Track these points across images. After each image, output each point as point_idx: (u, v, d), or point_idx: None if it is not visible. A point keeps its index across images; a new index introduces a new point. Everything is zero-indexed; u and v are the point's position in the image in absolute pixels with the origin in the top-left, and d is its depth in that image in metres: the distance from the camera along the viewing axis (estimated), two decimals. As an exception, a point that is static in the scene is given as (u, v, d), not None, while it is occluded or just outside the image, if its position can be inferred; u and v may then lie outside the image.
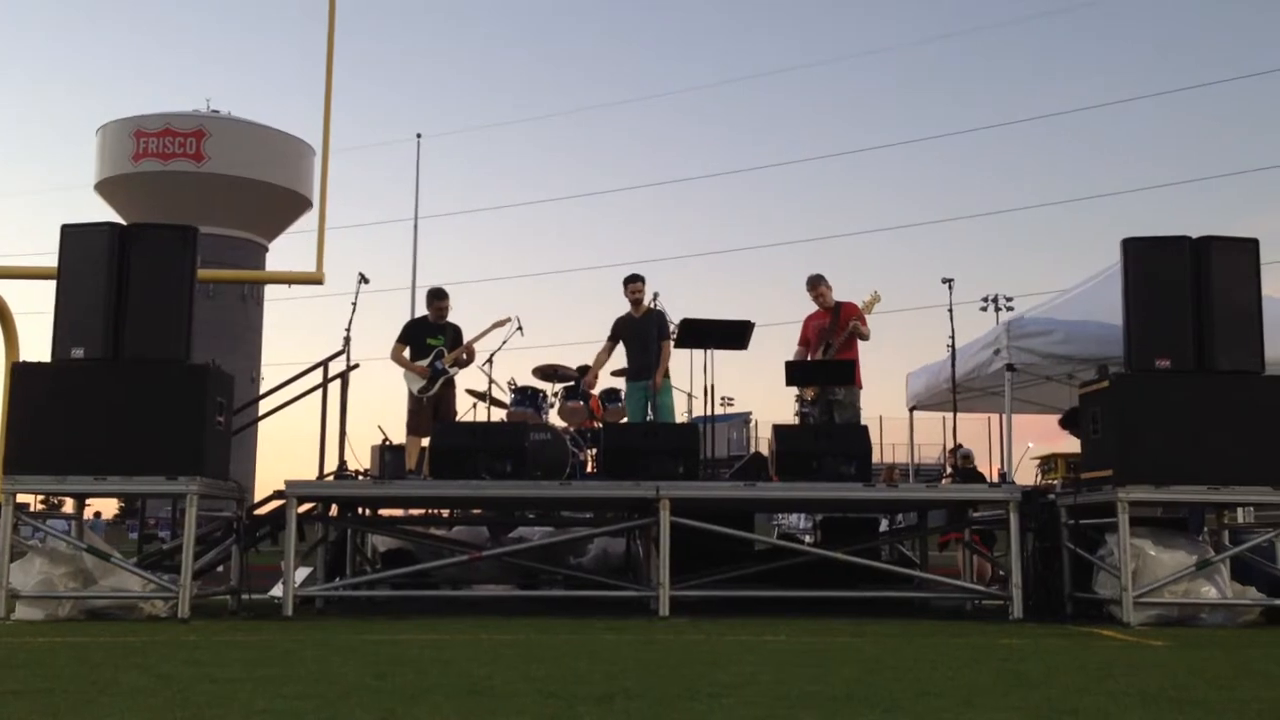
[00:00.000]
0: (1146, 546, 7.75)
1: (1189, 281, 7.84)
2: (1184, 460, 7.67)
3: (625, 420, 10.29)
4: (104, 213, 45.16)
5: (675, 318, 10.06)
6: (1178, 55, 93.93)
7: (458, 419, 10.04)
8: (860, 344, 9.87)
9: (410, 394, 9.71)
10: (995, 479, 9.71)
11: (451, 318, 10.02)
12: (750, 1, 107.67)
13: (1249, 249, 7.99)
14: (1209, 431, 7.71)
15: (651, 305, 10.10)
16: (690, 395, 10.37)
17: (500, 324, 9.92)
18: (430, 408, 9.64)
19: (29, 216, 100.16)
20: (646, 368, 9.99)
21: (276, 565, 9.22)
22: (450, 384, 9.85)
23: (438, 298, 10.03)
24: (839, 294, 10.00)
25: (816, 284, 10.00)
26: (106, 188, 49.88)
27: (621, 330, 10.19)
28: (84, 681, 4.64)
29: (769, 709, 3.98)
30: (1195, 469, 7.68)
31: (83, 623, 7.45)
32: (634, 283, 10.25)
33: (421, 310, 10.40)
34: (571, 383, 11.08)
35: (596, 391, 11.23)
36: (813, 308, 10.06)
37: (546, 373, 11.11)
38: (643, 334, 9.99)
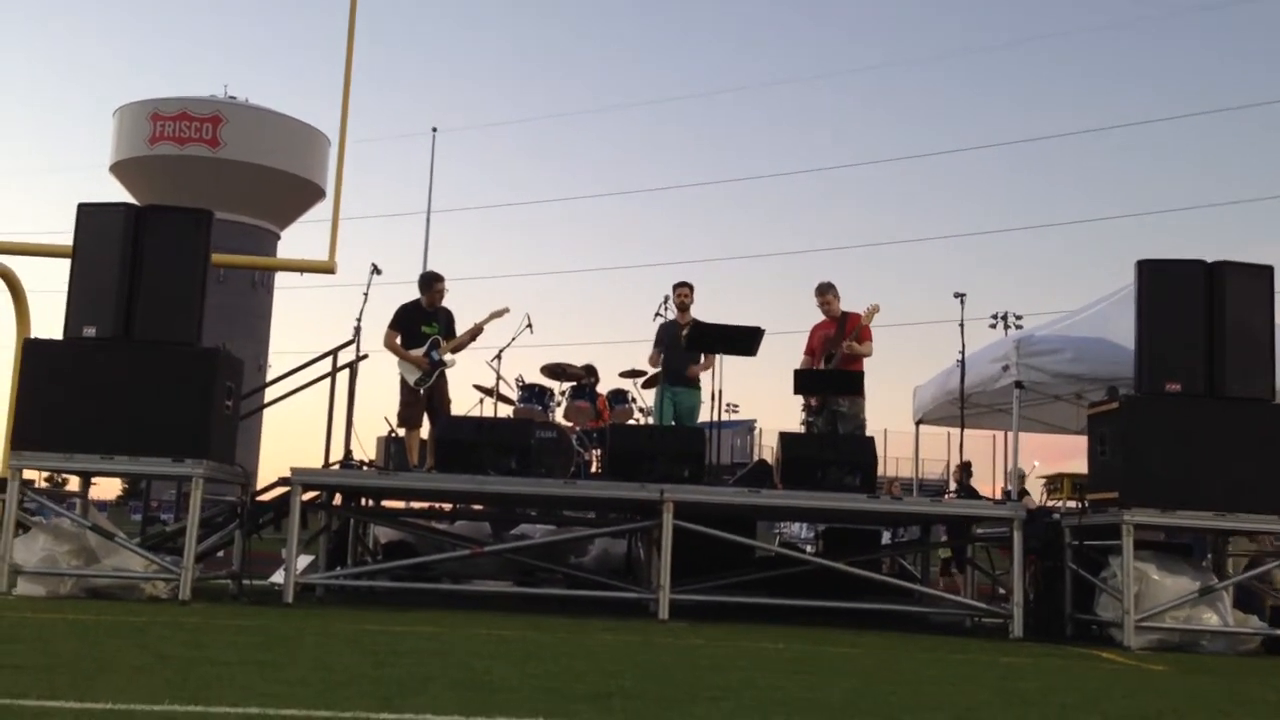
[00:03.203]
0: (1150, 570, 7.73)
1: (1202, 306, 7.82)
2: (1191, 485, 7.65)
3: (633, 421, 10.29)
4: (119, 194, 45.33)
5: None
6: (1198, 79, 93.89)
7: (453, 410, 9.74)
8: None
9: (405, 384, 9.48)
10: (999, 496, 9.69)
11: (460, 310, 9.77)
12: (776, 6, 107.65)
13: (1264, 276, 7.97)
14: (1217, 457, 7.69)
15: (661, 311, 10.08)
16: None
17: (498, 314, 9.62)
18: (425, 399, 9.46)
19: (45, 195, 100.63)
20: (681, 372, 10.00)
21: (278, 552, 9.24)
22: (444, 374, 9.62)
23: (436, 281, 9.70)
24: (849, 304, 9.99)
25: (824, 292, 9.96)
26: (122, 170, 49.96)
27: (666, 334, 10.08)
28: (84, 659, 4.65)
29: (766, 715, 3.98)
30: (1202, 495, 7.66)
31: (84, 600, 7.47)
32: (682, 288, 10.25)
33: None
34: (578, 382, 11.10)
35: (604, 391, 11.25)
36: (820, 316, 10.05)
37: (555, 371, 11.13)
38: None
